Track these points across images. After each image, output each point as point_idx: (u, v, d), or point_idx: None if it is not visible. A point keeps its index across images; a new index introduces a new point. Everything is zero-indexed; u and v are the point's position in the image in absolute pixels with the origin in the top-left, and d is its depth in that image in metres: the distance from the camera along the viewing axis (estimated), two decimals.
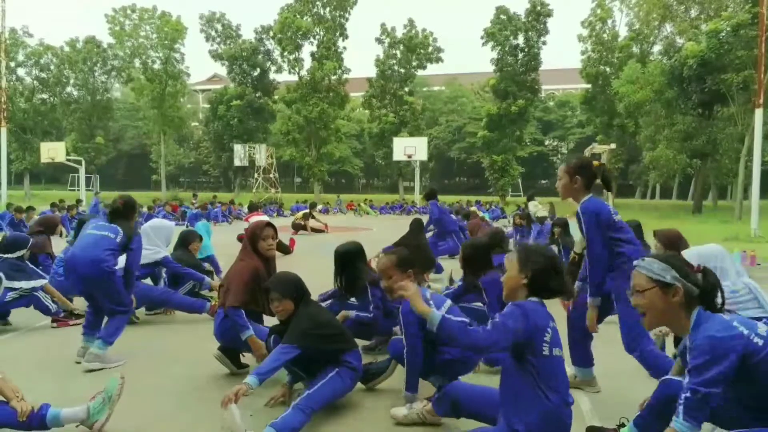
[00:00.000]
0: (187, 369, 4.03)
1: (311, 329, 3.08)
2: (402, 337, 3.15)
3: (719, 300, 2.21)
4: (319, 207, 22.39)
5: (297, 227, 15.49)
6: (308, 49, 40.19)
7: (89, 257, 4.05)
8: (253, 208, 15.57)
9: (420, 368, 3.11)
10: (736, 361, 1.98)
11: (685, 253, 3.91)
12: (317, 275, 4.95)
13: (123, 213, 4.36)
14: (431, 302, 2.83)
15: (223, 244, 8.54)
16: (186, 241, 6.32)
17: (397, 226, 15.84)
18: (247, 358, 4.03)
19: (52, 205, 16.33)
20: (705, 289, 2.19)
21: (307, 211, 17.01)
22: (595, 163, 3.46)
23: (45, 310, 5.12)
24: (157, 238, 5.64)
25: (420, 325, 3.03)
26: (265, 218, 7.96)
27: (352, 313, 4.18)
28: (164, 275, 5.93)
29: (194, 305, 5.51)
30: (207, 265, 7.03)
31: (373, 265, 4.55)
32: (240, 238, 9.16)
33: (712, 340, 2.02)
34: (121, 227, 4.23)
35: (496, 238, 5.93)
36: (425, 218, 8.89)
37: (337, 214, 28.09)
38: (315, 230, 16.03)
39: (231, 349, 3.90)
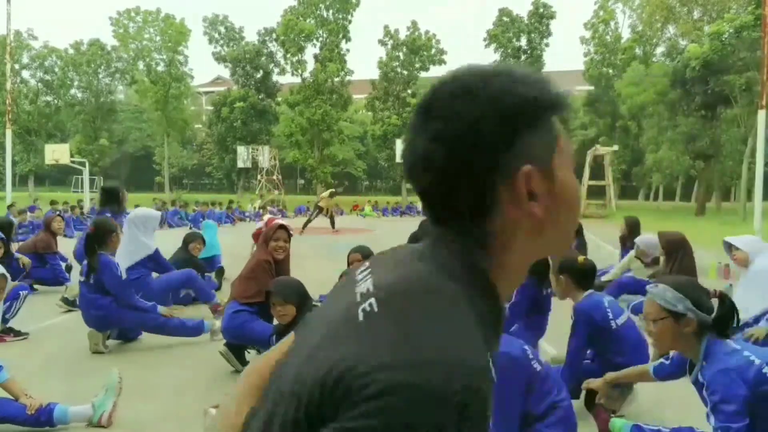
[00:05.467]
0: (190, 367, 4.07)
1: None
2: None
3: (733, 325, 2.15)
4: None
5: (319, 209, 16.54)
6: (311, 51, 40.34)
7: None
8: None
9: None
10: (748, 390, 1.95)
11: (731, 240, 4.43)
12: (321, 276, 4.98)
13: (97, 240, 4.31)
14: None
15: (223, 244, 8.58)
16: (185, 241, 6.63)
17: (399, 229, 15.85)
18: (252, 356, 4.08)
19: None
20: (720, 316, 2.14)
21: (333, 191, 17.81)
22: (580, 259, 3.20)
23: None
24: (147, 230, 5.40)
25: None
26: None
27: None
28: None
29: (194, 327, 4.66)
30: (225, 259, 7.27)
31: None
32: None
33: (723, 374, 1.99)
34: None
35: None
36: None
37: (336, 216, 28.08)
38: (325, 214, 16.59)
39: (237, 346, 3.95)
